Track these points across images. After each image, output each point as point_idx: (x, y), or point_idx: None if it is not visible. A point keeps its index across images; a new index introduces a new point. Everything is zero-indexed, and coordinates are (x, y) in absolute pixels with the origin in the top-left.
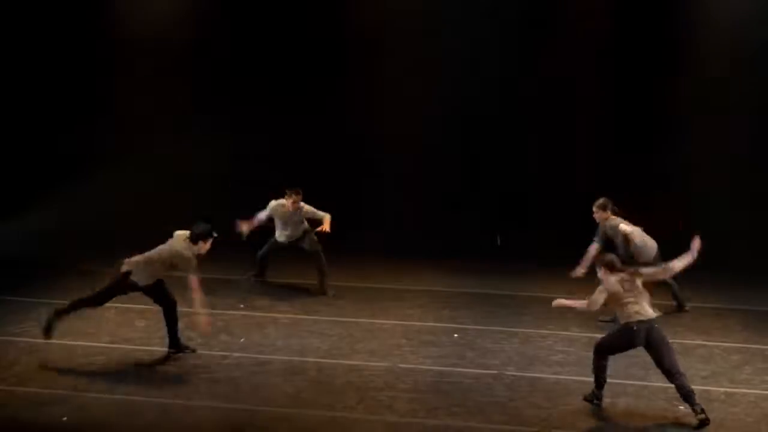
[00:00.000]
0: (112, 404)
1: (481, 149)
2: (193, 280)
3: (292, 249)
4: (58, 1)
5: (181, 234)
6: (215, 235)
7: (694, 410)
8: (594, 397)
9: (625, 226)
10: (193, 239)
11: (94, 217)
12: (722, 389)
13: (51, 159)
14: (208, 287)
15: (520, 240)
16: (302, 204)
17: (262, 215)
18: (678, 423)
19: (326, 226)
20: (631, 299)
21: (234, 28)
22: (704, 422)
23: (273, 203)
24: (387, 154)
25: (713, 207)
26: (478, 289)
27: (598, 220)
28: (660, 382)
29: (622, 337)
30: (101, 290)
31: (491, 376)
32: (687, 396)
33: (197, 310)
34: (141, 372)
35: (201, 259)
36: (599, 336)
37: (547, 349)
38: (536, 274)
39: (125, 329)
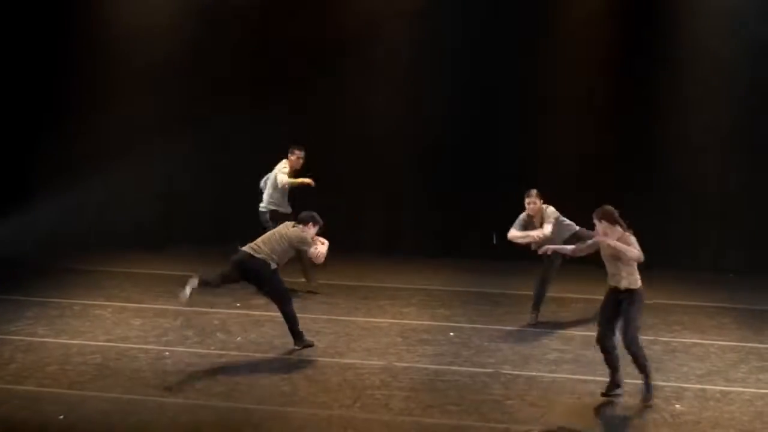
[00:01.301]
0: (108, 402)
1: (477, 148)
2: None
3: None
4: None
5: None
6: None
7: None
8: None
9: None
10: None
11: (90, 216)
12: (718, 388)
13: (48, 158)
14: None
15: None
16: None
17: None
18: (674, 421)
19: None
20: None
21: (225, 28)
22: None
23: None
24: (382, 152)
25: (709, 206)
26: (473, 287)
27: (533, 212)
28: (656, 381)
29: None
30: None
31: (487, 375)
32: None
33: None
34: (137, 370)
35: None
36: (594, 334)
37: (542, 347)
38: (532, 273)
39: (121, 327)
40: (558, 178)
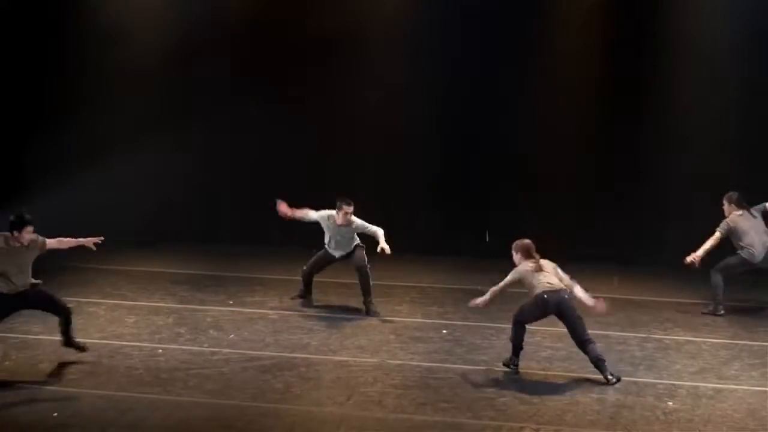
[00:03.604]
0: (102, 400)
1: (472, 146)
2: None
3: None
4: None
5: None
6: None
7: (605, 377)
8: (511, 363)
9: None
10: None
11: (84, 214)
12: (710, 385)
13: (42, 155)
14: (198, 283)
15: (508, 236)
16: (353, 218)
17: (310, 215)
18: (666, 418)
19: (384, 246)
20: (542, 276)
21: (217, 27)
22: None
23: (324, 213)
24: (375, 151)
25: (703, 205)
26: (466, 285)
27: (726, 214)
28: (648, 378)
29: (536, 306)
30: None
31: (480, 372)
32: (598, 362)
33: None
34: (131, 367)
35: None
36: (589, 332)
37: (535, 345)
38: None
39: (115, 325)
40: (554, 177)
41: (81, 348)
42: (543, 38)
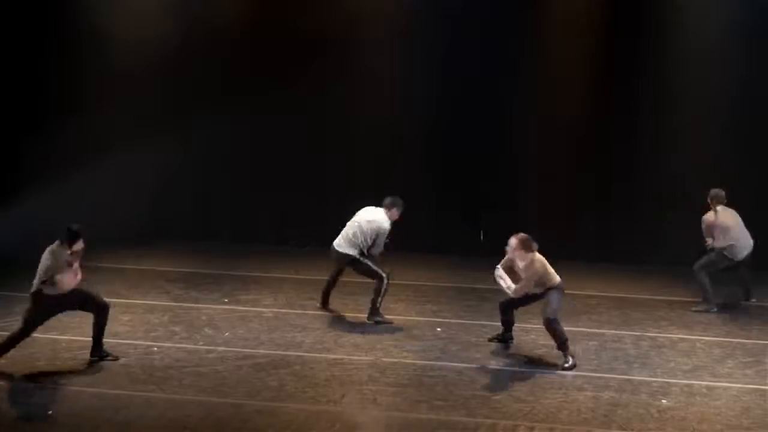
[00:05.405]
0: (97, 398)
1: (467, 146)
2: None
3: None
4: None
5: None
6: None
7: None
8: (507, 338)
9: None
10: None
11: (79, 213)
12: (704, 383)
13: (38, 154)
14: (192, 282)
15: (502, 236)
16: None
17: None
18: (660, 416)
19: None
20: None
21: (211, 27)
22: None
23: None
24: (373, 150)
25: (695, 203)
26: (461, 283)
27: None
28: (643, 376)
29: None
30: None
31: (474, 370)
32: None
33: None
34: (125, 365)
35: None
36: (584, 330)
37: (530, 343)
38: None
39: (110, 323)
40: (550, 176)
41: (113, 357)
42: (540, 37)
